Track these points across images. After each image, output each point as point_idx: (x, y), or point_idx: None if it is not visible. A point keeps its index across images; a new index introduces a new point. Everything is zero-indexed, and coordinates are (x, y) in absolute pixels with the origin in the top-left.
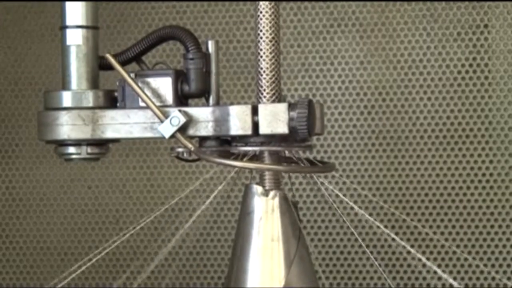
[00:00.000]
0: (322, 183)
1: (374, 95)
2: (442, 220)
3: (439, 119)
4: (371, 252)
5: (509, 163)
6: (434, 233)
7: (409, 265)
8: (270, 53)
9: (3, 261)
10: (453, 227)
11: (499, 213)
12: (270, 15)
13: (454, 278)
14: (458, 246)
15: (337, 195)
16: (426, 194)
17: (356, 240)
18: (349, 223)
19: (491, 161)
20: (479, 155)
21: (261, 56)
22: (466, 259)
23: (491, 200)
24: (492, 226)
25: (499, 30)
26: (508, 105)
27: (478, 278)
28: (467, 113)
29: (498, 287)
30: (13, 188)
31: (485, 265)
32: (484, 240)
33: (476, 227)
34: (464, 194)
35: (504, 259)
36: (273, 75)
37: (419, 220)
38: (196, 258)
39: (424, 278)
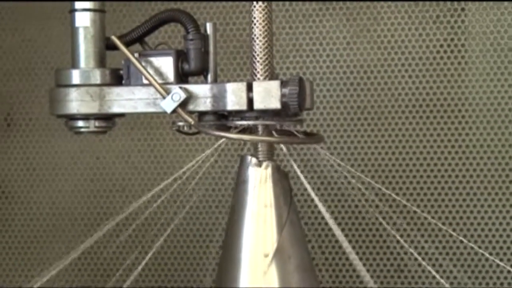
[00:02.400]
0: (320, 154)
1: (359, 73)
2: (421, 188)
3: (419, 95)
4: (353, 224)
5: (483, 136)
6: (415, 204)
7: (388, 235)
8: (264, 35)
9: (19, 225)
10: (431, 194)
11: (474, 182)
12: (263, 1)
13: (440, 253)
14: (439, 218)
15: (331, 165)
16: (407, 165)
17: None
18: (347, 187)
19: (467, 134)
20: (456, 128)
21: (256, 38)
22: (447, 232)
23: (467, 170)
24: (472, 195)
25: (475, 13)
26: (482, 82)
27: (461, 253)
28: (445, 89)
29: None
30: (27, 159)
31: (469, 241)
32: (464, 212)
33: (457, 200)
34: (442, 164)
35: (479, 224)
36: (266, 55)
37: (400, 189)
38: (195, 222)
39: (401, 247)
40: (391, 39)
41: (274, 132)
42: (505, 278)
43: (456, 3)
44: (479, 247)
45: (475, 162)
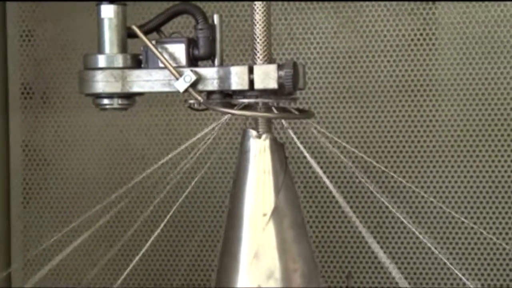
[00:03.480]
0: (315, 128)
1: (345, 58)
2: (397, 157)
3: (396, 77)
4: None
5: (451, 112)
6: (395, 172)
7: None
8: (263, 25)
9: (53, 187)
10: (407, 162)
11: (443, 150)
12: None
13: (428, 227)
14: (422, 187)
15: (320, 137)
16: (385, 136)
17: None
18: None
19: (436, 110)
20: (427, 105)
21: (256, 27)
22: (432, 202)
23: (437, 140)
24: (445, 163)
25: (444, 6)
26: (450, 66)
27: (453, 227)
28: (418, 72)
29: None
30: (60, 131)
31: (456, 212)
32: (450, 182)
33: (428, 166)
34: (415, 136)
35: (468, 202)
36: (265, 43)
37: (379, 158)
38: (204, 186)
39: (392, 217)
40: (372, 29)
41: (272, 109)
42: (488, 244)
43: None
44: (455, 212)
45: (444, 134)
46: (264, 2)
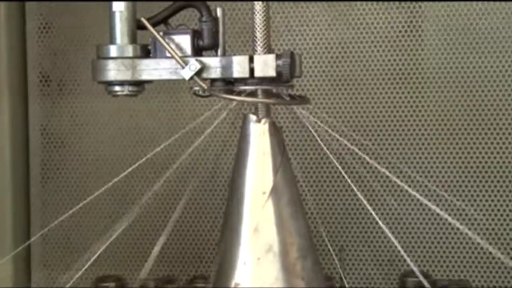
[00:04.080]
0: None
1: (338, 49)
2: (387, 139)
3: (385, 66)
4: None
5: (436, 98)
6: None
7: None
8: (263, 18)
9: (69, 168)
10: (395, 144)
11: (428, 133)
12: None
13: (415, 205)
14: (410, 167)
15: (315, 122)
16: (375, 121)
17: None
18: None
19: (422, 96)
20: (414, 92)
21: (256, 21)
22: (424, 184)
23: (422, 124)
24: (435, 149)
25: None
26: (435, 55)
27: (437, 205)
28: (406, 61)
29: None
30: (75, 116)
31: (440, 189)
32: (435, 163)
33: (415, 148)
34: (403, 120)
35: (452, 181)
36: (265, 34)
37: (370, 140)
38: (209, 167)
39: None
40: (363, 21)
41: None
42: (470, 219)
43: None
44: (443, 191)
45: (429, 118)
46: (263, 4)
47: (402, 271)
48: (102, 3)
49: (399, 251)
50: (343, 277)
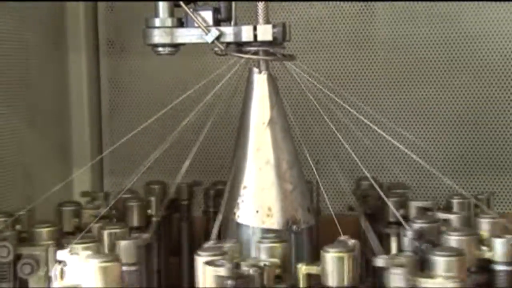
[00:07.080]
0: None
1: (332, 38)
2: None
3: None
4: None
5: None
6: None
7: None
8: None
9: (127, 110)
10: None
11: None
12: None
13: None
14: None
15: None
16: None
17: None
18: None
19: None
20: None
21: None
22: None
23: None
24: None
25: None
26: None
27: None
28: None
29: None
30: (133, 70)
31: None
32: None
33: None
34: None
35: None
36: (264, 11)
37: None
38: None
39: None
40: (355, 15)
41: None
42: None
43: None
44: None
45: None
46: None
47: (358, 177)
48: None
49: (357, 163)
50: (319, 182)
